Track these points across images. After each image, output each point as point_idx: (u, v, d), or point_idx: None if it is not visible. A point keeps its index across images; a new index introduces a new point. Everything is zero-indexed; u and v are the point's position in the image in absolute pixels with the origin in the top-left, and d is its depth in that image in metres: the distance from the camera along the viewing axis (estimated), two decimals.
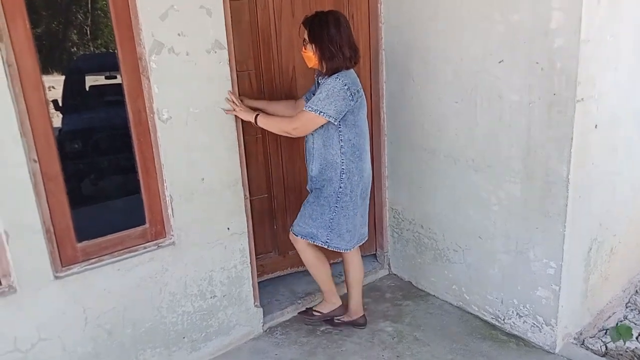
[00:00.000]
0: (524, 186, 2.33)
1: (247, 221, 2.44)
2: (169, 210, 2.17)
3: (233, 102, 2.26)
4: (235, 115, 2.29)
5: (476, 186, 2.53)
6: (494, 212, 2.48)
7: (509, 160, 2.35)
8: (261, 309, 2.58)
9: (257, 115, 2.29)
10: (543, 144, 2.21)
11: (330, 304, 2.63)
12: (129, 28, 1.96)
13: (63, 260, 1.94)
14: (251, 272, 2.49)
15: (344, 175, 2.27)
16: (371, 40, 2.84)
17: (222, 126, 2.26)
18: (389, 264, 3.17)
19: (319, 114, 2.15)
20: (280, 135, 2.51)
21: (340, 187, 2.28)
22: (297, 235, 2.43)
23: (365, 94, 2.58)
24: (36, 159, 1.83)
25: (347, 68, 2.20)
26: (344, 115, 2.19)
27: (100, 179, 4.42)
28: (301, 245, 2.46)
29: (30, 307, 1.87)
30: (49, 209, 1.88)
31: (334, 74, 2.17)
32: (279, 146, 2.85)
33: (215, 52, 2.18)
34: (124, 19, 1.94)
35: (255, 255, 2.81)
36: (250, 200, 2.73)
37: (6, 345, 1.84)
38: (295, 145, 2.84)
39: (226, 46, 2.21)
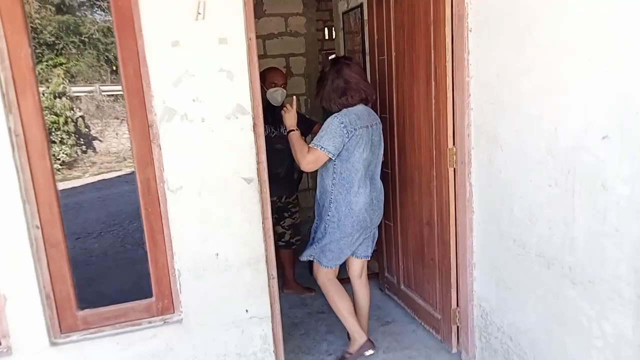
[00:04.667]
0: (638, 324, 1.54)
1: (273, 304, 2.14)
2: (177, 286, 2.01)
3: (291, 105, 2.53)
4: (262, 189, 2.05)
5: (574, 306, 1.78)
6: (596, 348, 1.70)
7: (617, 280, 1.59)
8: None
9: (292, 131, 2.46)
10: None
11: (355, 342, 2.64)
12: (139, 95, 1.88)
13: (62, 327, 1.93)
14: None
15: (332, 204, 2.44)
16: (455, 97, 2.28)
17: (242, 198, 2.02)
18: None
19: (321, 149, 2.31)
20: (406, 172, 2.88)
21: (329, 215, 2.46)
22: (302, 259, 2.65)
23: (443, 160, 2.43)
24: (39, 225, 1.85)
25: (352, 105, 2.40)
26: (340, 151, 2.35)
27: None
28: (321, 280, 2.60)
29: None
30: (50, 275, 1.89)
31: (334, 112, 2.39)
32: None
33: (237, 117, 1.97)
34: (134, 85, 1.87)
35: (388, 272, 3.30)
36: (384, 225, 3.19)
37: None
38: (409, 180, 2.87)
39: (250, 111, 1.98)
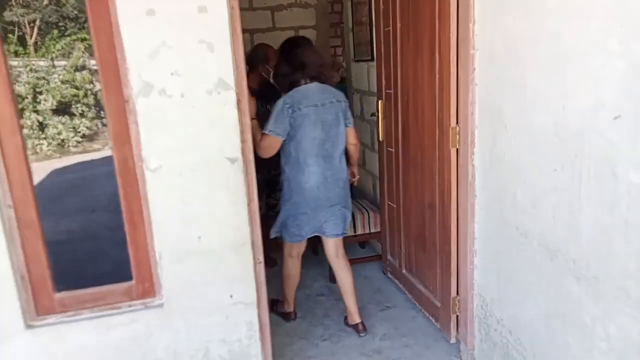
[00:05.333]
0: None
1: (259, 290, 2.04)
2: (158, 269, 1.93)
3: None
4: (247, 170, 1.93)
5: (577, 302, 1.63)
6: (600, 351, 1.56)
7: (625, 278, 1.43)
8: None
9: (253, 119, 2.38)
10: None
11: (282, 306, 2.87)
12: (114, 68, 1.76)
13: (38, 309, 1.87)
14: (262, 349, 2.09)
15: (285, 182, 2.50)
16: (460, 71, 2.11)
17: (227, 178, 1.91)
18: None
19: (270, 133, 2.36)
20: (409, 151, 2.72)
21: (283, 191, 2.53)
22: (271, 237, 2.65)
23: (446, 140, 2.27)
24: (11, 204, 1.78)
25: (300, 85, 2.41)
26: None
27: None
28: (284, 254, 2.70)
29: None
30: (25, 256, 1.82)
31: (286, 92, 2.42)
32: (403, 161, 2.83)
33: (219, 93, 1.84)
34: (108, 58, 1.75)
35: (391, 255, 3.15)
36: (387, 206, 3.09)
37: None
38: (413, 160, 2.69)
39: (233, 86, 1.85)
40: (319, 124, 2.38)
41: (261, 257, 2.04)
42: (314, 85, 2.41)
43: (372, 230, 3.32)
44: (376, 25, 3.00)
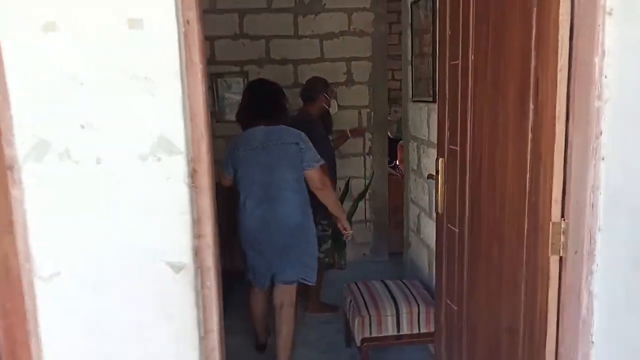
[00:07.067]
0: None
1: None
2: None
3: None
4: (203, 282, 1.19)
5: None
6: None
7: None
8: None
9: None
10: None
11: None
12: None
13: None
14: None
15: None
16: (572, 132, 1.26)
17: (167, 296, 1.17)
18: None
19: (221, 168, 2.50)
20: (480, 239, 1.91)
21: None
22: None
23: (541, 239, 1.48)
24: None
25: (255, 124, 2.46)
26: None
27: None
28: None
29: None
30: None
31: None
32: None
33: (159, 159, 1.12)
34: None
35: None
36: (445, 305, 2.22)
37: None
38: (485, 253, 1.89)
39: (183, 149, 1.12)
40: (259, 166, 2.39)
41: None
42: (260, 128, 2.42)
43: (423, 330, 2.45)
44: (440, 57, 2.20)
